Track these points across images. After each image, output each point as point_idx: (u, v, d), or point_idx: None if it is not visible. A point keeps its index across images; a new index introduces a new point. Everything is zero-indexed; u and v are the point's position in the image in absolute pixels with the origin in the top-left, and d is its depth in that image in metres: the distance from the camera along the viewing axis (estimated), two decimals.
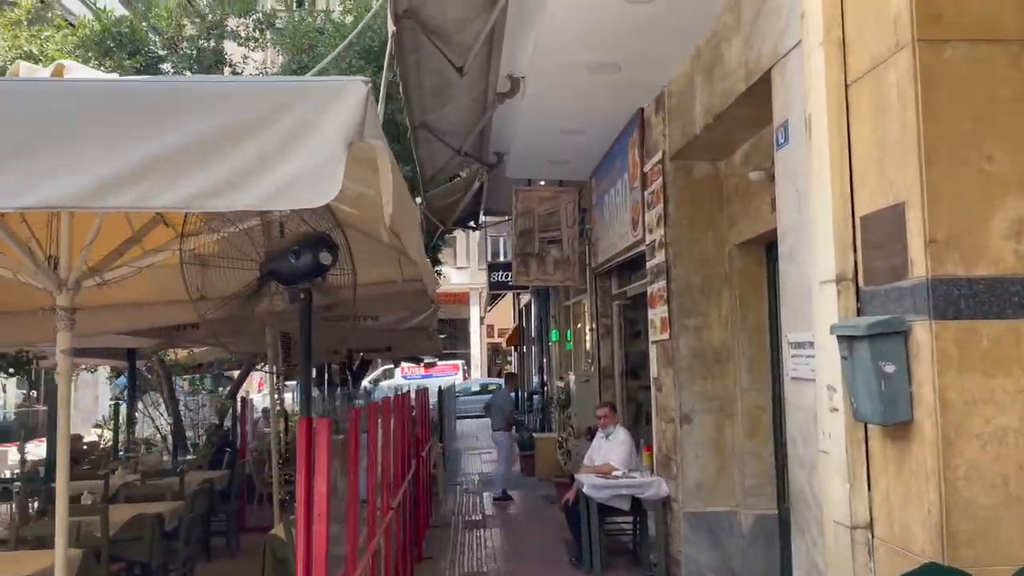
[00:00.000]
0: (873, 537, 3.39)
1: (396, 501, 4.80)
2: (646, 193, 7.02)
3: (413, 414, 7.80)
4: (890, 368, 3.07)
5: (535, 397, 15.25)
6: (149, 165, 1.79)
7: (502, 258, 13.20)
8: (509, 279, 13.09)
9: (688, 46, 5.85)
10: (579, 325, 11.52)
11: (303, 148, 1.78)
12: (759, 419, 6.24)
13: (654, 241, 6.80)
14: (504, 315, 34.28)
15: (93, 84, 2.53)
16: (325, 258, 2.59)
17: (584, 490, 6.61)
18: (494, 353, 41.48)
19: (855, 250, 3.50)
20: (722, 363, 6.42)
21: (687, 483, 6.33)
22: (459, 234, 40.70)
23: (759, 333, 6.27)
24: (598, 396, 9.64)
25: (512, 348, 26.06)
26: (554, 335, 13.65)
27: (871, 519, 3.40)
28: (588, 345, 10.85)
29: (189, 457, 12.11)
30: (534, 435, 13.85)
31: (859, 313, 3.46)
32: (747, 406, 6.26)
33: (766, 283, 6.28)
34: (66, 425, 3.45)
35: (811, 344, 3.90)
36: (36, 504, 7.82)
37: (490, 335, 39.37)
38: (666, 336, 6.52)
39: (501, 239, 28.87)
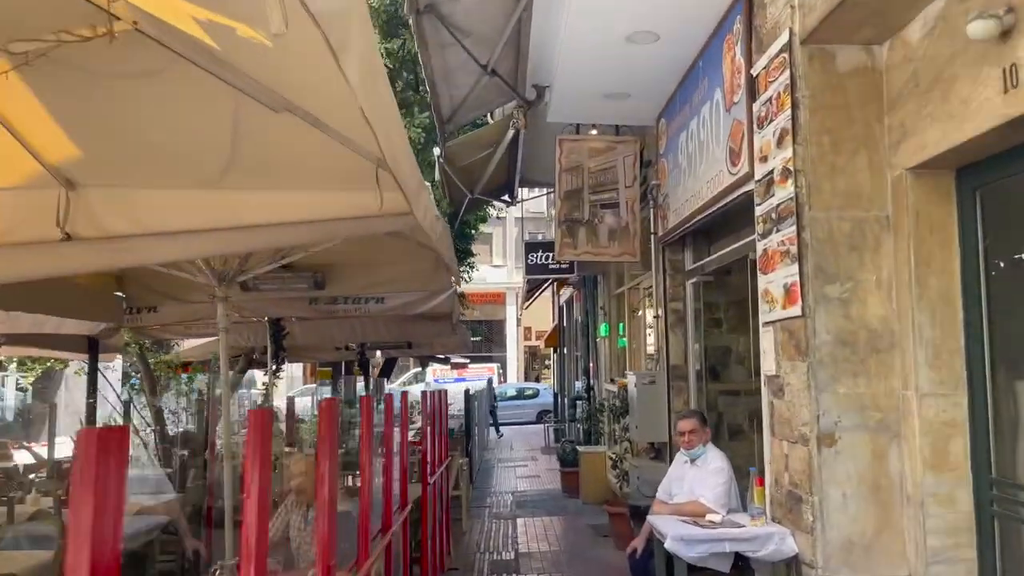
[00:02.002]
0: None
1: None
2: (757, 105, 4.78)
3: (414, 430, 5.68)
4: None
5: (579, 403, 13.00)
6: None
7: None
8: (550, 260, 10.89)
9: None
10: (638, 313, 9.28)
11: None
12: (948, 441, 3.96)
13: (771, 173, 4.57)
14: (542, 316, 32.07)
15: None
16: None
17: (667, 544, 4.37)
18: (531, 357, 39.32)
19: None
20: (883, 353, 4.16)
21: (830, 538, 4.08)
22: (495, 230, 38.66)
23: (947, 304, 4.00)
24: (666, 402, 7.41)
25: (552, 350, 23.90)
26: (603, 329, 11.41)
27: None
28: (651, 339, 8.62)
29: (168, 471, 10.16)
30: (578, 448, 11.63)
31: None
32: (928, 420, 3.98)
33: (957, 226, 4.02)
34: None
35: None
36: None
37: (527, 338, 37.19)
38: (794, 311, 4.28)
39: (540, 236, 26.73)
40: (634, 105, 7.27)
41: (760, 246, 4.77)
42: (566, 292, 19.94)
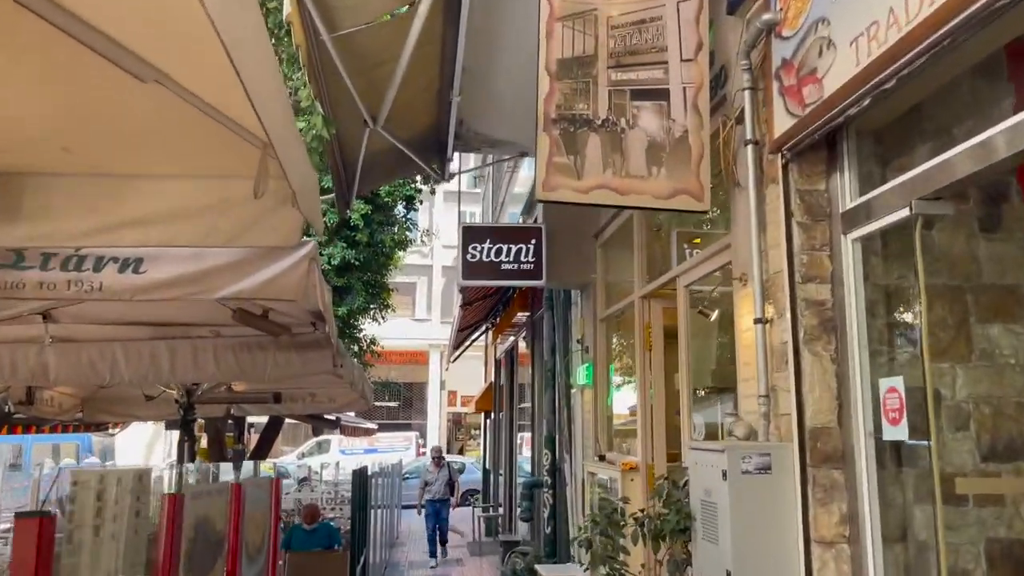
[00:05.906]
0: None
1: None
2: None
3: None
4: None
5: (538, 493, 8.45)
6: None
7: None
8: (503, 256, 6.55)
9: None
10: (715, 321, 4.90)
11: None
12: None
13: None
14: (469, 378, 27.55)
15: None
16: None
17: None
18: (454, 425, 34.55)
19: None
20: None
21: None
22: (419, 279, 34.06)
23: None
24: (799, 517, 3.11)
25: (484, 416, 19.39)
26: (585, 374, 7.07)
27: None
28: (723, 375, 4.35)
29: None
30: (538, 568, 7.16)
31: None
32: None
33: None
34: None
35: None
36: None
37: (451, 403, 32.46)
38: None
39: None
40: None
41: None
42: (506, 342, 15.60)
